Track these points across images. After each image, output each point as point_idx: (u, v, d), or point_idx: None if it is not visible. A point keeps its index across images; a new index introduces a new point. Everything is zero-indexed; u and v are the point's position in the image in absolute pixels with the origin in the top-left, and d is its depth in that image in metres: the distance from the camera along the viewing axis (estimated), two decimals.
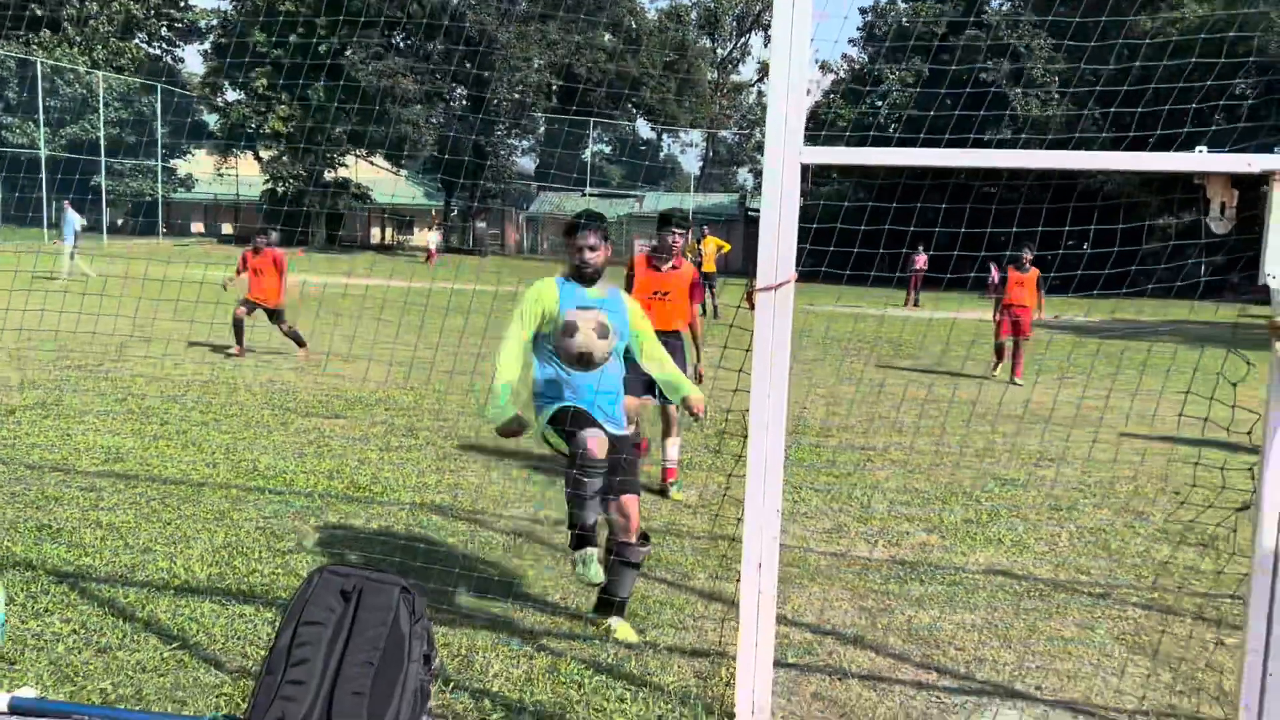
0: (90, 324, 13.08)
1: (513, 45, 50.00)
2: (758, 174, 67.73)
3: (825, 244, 5.79)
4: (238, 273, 13.15)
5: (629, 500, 4.54)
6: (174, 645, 4.10)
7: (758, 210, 3.26)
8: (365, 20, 44.65)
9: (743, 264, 39.17)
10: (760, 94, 71.56)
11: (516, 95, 53.24)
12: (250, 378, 10.97)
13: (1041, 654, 4.53)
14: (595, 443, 4.29)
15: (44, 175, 42.74)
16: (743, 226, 51.15)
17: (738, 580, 3.47)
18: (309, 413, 9.21)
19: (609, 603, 4.57)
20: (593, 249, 4.52)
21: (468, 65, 52.87)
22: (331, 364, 11.61)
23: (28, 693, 3.54)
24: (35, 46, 47.94)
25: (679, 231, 6.99)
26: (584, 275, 4.54)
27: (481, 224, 55.74)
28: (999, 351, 14.29)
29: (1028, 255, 13.83)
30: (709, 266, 22.32)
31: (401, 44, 51.63)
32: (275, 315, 13.02)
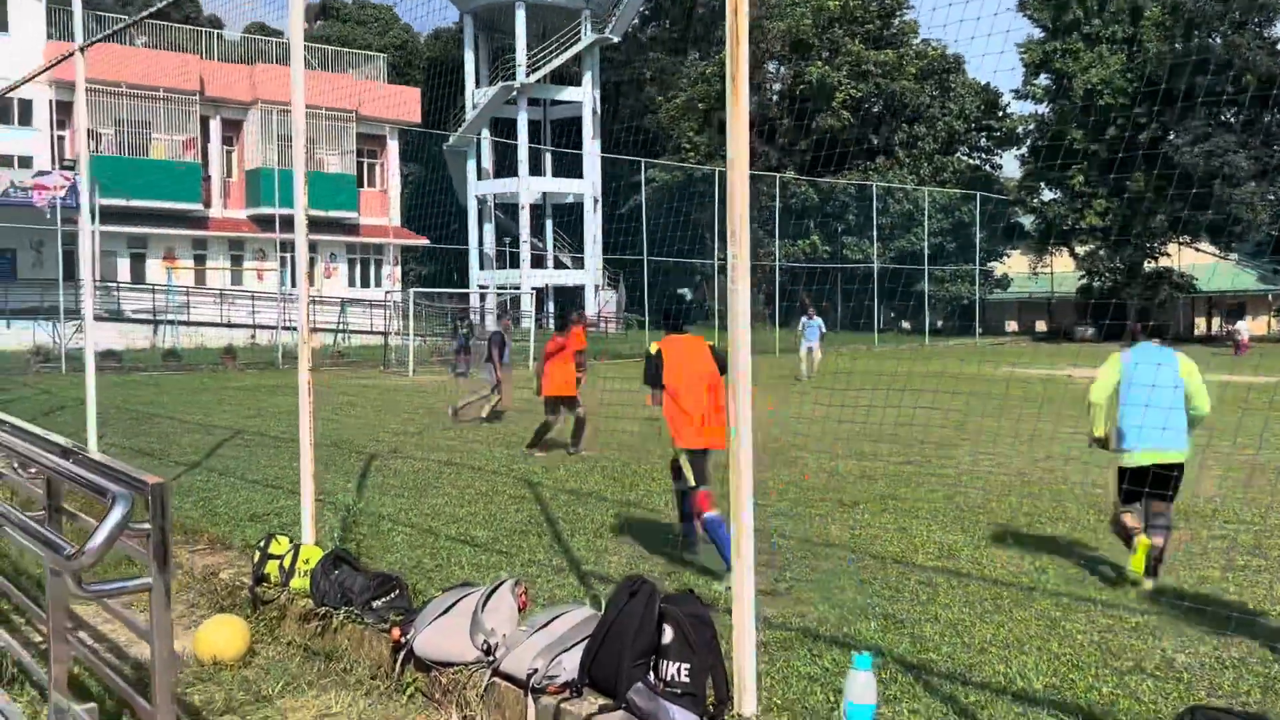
0: (908, 418, 14.08)
1: None
2: None
3: None
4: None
5: None
6: None
7: None
8: (1187, 102, 42.22)
9: None
10: None
11: None
12: (1079, 476, 10.72)
13: None
14: None
15: (875, 285, 47.78)
16: None
17: None
18: None
19: None
20: None
21: None
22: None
23: None
24: (871, 172, 54.15)
25: None
26: None
27: None
28: None
29: None
30: None
31: (1233, 119, 47.59)
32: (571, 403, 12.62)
